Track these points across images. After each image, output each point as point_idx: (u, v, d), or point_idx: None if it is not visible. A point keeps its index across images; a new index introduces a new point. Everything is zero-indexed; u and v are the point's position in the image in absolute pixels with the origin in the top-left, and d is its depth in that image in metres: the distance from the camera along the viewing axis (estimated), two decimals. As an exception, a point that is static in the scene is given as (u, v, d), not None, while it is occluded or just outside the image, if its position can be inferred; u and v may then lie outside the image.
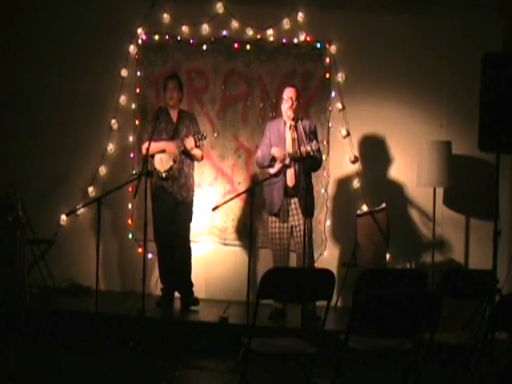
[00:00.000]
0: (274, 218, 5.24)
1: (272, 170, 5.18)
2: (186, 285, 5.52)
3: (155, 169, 5.36)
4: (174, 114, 5.50)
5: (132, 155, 6.12)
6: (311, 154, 4.99)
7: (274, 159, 5.17)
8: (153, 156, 5.38)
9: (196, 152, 5.43)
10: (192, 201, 5.54)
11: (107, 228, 5.91)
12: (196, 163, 5.60)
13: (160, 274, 5.57)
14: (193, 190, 5.53)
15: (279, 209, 5.18)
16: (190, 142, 5.31)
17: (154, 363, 4.63)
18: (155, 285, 5.70)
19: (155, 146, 5.32)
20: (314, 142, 5.02)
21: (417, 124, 5.96)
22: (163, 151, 5.36)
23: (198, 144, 5.36)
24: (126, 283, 6.08)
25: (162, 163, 5.37)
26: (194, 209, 5.81)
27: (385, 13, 5.92)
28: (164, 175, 5.34)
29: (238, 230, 6.07)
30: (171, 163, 5.35)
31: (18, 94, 6.17)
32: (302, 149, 4.97)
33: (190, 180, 5.50)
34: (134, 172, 5.96)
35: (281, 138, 5.23)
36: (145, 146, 5.27)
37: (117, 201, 5.87)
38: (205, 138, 5.40)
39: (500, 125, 4.30)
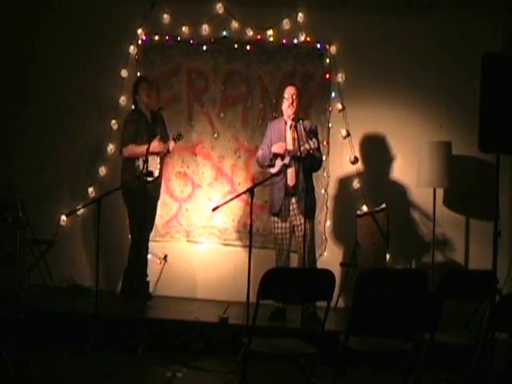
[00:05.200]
0: (276, 218, 5.26)
1: (273, 170, 5.19)
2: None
3: (150, 171, 5.29)
4: (148, 116, 5.57)
5: (132, 155, 6.12)
6: (310, 151, 4.99)
7: (275, 157, 5.17)
8: (135, 159, 5.41)
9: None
10: (158, 198, 5.71)
11: (107, 228, 5.91)
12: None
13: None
14: (160, 189, 5.71)
15: (280, 208, 5.19)
16: (172, 145, 5.51)
17: (153, 363, 4.63)
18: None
19: (140, 150, 5.35)
20: (314, 139, 5.02)
21: (417, 124, 5.97)
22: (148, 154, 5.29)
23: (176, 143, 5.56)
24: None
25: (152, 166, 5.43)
26: (194, 209, 5.84)
27: (385, 13, 5.93)
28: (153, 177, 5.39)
29: (238, 230, 6.07)
30: (155, 170, 5.44)
31: (17, 95, 6.17)
32: (302, 147, 4.97)
33: (161, 180, 5.67)
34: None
35: (281, 137, 5.23)
36: (126, 149, 5.43)
37: (117, 201, 5.87)
38: (182, 137, 5.56)
39: (500, 125, 4.29)
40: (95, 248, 4.81)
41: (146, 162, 5.13)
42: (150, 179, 5.27)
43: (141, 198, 5.21)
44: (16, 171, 6.03)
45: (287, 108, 5.18)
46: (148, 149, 5.13)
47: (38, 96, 6.18)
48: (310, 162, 5.09)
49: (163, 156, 5.60)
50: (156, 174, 5.44)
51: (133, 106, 5.69)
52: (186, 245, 6.04)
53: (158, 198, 5.71)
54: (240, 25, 6.05)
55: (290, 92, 5.20)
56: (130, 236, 5.72)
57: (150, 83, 5.67)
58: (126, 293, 5.56)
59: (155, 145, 5.38)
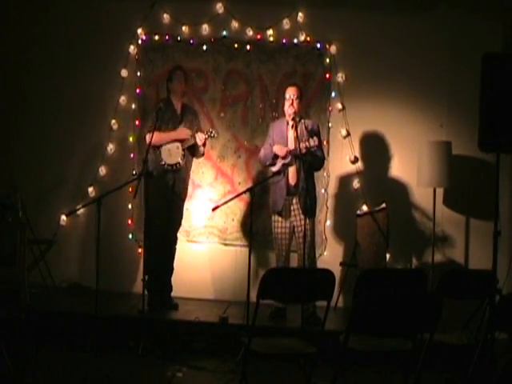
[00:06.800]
0: (277, 217, 5.27)
1: (274, 168, 5.20)
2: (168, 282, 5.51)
3: (161, 160, 5.28)
4: (177, 106, 5.47)
5: (132, 155, 6.11)
6: (311, 149, 4.99)
7: (276, 157, 5.19)
8: (159, 147, 5.29)
9: (201, 149, 5.44)
10: (185, 198, 5.51)
11: (107, 228, 5.91)
12: (194, 160, 5.60)
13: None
14: (187, 187, 5.52)
15: (282, 208, 5.20)
16: (201, 138, 5.31)
17: (154, 363, 4.63)
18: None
19: (164, 136, 5.29)
20: (315, 137, 5.02)
21: (417, 124, 5.96)
22: (172, 141, 5.30)
23: (207, 141, 5.39)
24: (125, 283, 6.07)
25: (170, 155, 5.31)
26: (194, 209, 5.84)
27: (385, 13, 5.92)
28: (171, 168, 5.29)
29: (238, 230, 6.07)
30: (179, 158, 5.31)
31: (17, 95, 6.17)
32: (302, 144, 4.98)
33: (187, 176, 5.49)
34: (134, 172, 5.96)
35: (283, 137, 5.25)
36: (149, 135, 5.12)
37: (117, 201, 5.87)
38: (215, 136, 5.41)
39: (500, 125, 4.29)
40: (95, 248, 4.81)
41: (145, 162, 5.12)
42: (170, 163, 5.23)
43: (158, 191, 5.18)
44: (16, 171, 6.03)
45: (288, 109, 5.19)
46: (151, 138, 5.04)
47: (37, 96, 6.17)
48: (311, 160, 5.09)
49: (191, 149, 5.41)
50: (179, 160, 5.29)
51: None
52: (186, 245, 6.03)
53: (183, 196, 5.46)
54: (240, 25, 6.05)
55: (290, 93, 5.21)
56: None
57: (186, 72, 5.57)
58: (154, 308, 5.29)
59: (180, 131, 5.33)
